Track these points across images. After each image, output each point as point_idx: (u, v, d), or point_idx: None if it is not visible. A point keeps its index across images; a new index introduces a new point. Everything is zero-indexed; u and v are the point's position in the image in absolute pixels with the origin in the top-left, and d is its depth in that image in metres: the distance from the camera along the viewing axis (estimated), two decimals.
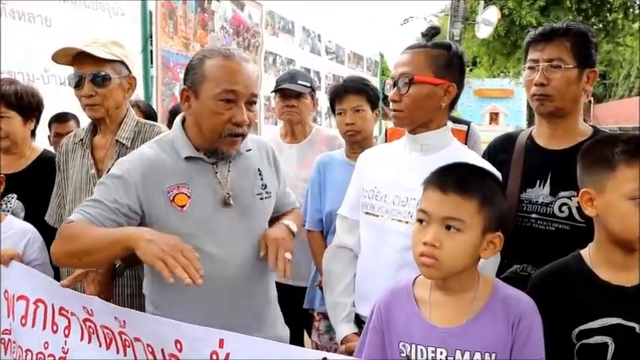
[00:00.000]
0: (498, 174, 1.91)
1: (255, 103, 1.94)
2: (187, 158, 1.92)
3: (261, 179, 2.05)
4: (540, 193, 2.07)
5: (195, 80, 1.88)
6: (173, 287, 1.74)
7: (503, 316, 1.49)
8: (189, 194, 1.89)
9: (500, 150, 2.26)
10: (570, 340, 1.58)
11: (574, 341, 1.58)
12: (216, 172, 1.95)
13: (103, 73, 2.30)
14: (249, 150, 2.05)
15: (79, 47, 2.30)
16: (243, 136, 1.92)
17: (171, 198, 1.87)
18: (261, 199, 2.03)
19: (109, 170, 2.03)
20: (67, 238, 1.77)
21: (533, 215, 2.07)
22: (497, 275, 1.94)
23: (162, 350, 1.75)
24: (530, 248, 1.99)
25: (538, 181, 2.08)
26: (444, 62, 1.94)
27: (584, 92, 2.10)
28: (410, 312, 1.56)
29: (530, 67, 2.09)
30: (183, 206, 1.88)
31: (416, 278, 1.62)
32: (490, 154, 2.31)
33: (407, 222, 1.87)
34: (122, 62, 2.38)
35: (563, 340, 1.59)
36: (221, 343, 1.67)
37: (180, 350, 1.72)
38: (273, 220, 2.14)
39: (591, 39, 2.07)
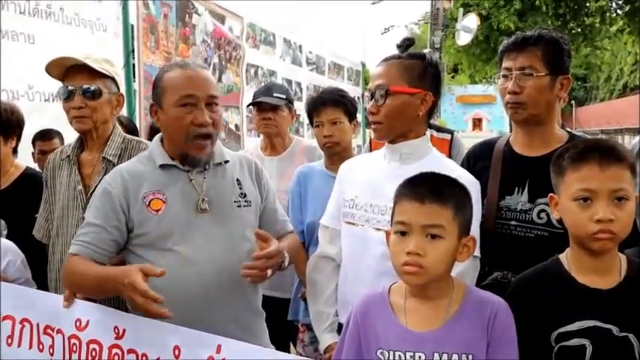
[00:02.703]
0: (476, 181, 1.95)
1: (216, 104, 2.05)
2: (162, 166, 2.03)
3: (240, 188, 2.12)
4: (519, 200, 2.09)
5: (158, 94, 2.05)
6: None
7: (477, 318, 1.54)
8: (164, 199, 1.98)
9: (479, 157, 2.29)
10: (549, 342, 1.62)
11: (553, 344, 1.61)
12: (191, 179, 2.03)
13: (94, 87, 2.34)
14: (227, 161, 2.13)
15: (79, 58, 2.34)
16: (210, 136, 2.02)
17: (147, 203, 1.98)
18: (239, 206, 2.09)
19: (93, 190, 2.15)
20: (72, 274, 1.97)
21: (513, 222, 2.09)
22: (478, 283, 1.96)
23: (157, 359, 1.80)
24: (510, 255, 2.01)
25: (516, 188, 2.10)
26: (419, 72, 1.97)
27: (559, 99, 2.13)
28: (387, 319, 1.60)
29: (504, 76, 2.13)
30: (158, 210, 1.97)
31: (391, 285, 1.66)
32: (469, 161, 2.33)
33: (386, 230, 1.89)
34: (112, 79, 2.42)
35: (542, 343, 1.62)
36: (219, 349, 1.72)
37: (177, 357, 1.77)
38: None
39: (563, 46, 2.11)
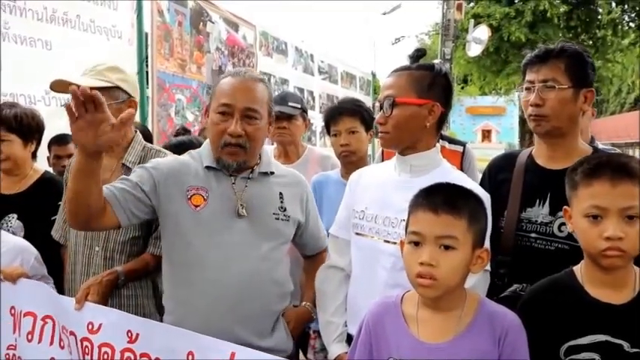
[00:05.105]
0: (487, 195, 1.94)
1: (254, 117, 2.05)
2: (208, 167, 2.08)
3: (281, 202, 2.14)
4: (540, 212, 2.07)
5: (210, 97, 2.14)
6: (177, 288, 2.02)
7: (489, 332, 1.53)
8: (205, 197, 2.03)
9: (501, 169, 2.27)
10: (558, 355, 1.61)
11: (562, 357, 1.61)
12: (233, 184, 2.07)
13: None
14: (272, 173, 2.17)
15: (68, 79, 2.32)
16: (240, 146, 2.03)
17: (189, 196, 2.03)
18: (277, 219, 2.11)
19: None
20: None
21: (533, 235, 2.07)
22: (497, 295, 1.96)
23: None
24: (530, 268, 1.97)
25: (537, 201, 2.08)
26: (427, 83, 1.96)
27: (582, 112, 2.11)
28: (398, 328, 1.60)
29: (527, 88, 2.11)
30: (197, 206, 2.02)
31: (404, 295, 1.67)
32: (490, 172, 2.32)
33: (396, 243, 1.87)
34: (119, 87, 2.39)
35: (552, 355, 1.62)
36: (232, 356, 1.74)
37: None
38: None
39: (587, 59, 2.09)
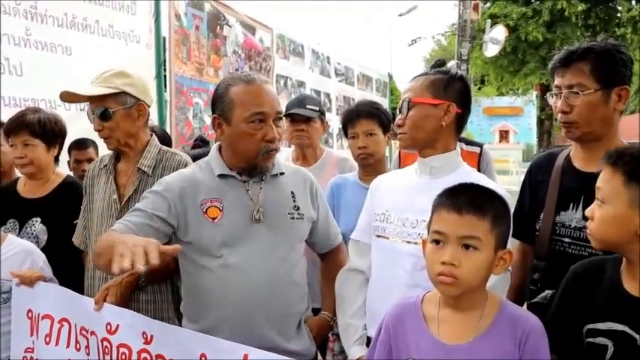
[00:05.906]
0: (508, 196, 1.93)
1: (280, 119, 2.10)
2: (220, 176, 2.09)
3: (294, 201, 2.16)
4: (573, 216, 2.02)
5: (225, 108, 2.06)
6: (202, 298, 2.02)
7: (510, 334, 1.53)
8: (221, 208, 2.04)
9: (541, 169, 2.23)
10: (582, 335, 1.64)
11: (584, 337, 1.63)
12: (248, 190, 2.09)
13: (103, 109, 2.36)
14: (282, 173, 2.19)
15: (75, 91, 2.38)
16: (276, 150, 2.08)
17: (204, 210, 2.03)
18: (292, 218, 2.14)
19: (127, 200, 2.28)
20: (98, 242, 1.99)
21: (566, 239, 2.03)
22: (530, 299, 1.95)
23: None
24: (564, 274, 1.86)
25: (572, 205, 2.03)
26: (443, 84, 2.00)
27: (619, 112, 2.02)
28: (418, 328, 1.60)
29: (555, 94, 2.06)
30: (214, 218, 2.03)
31: (424, 295, 1.67)
32: (531, 173, 2.27)
33: (416, 243, 1.88)
34: (126, 92, 2.39)
35: (576, 334, 1.64)
36: (245, 358, 1.74)
37: None
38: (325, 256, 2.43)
39: (617, 56, 1.98)
